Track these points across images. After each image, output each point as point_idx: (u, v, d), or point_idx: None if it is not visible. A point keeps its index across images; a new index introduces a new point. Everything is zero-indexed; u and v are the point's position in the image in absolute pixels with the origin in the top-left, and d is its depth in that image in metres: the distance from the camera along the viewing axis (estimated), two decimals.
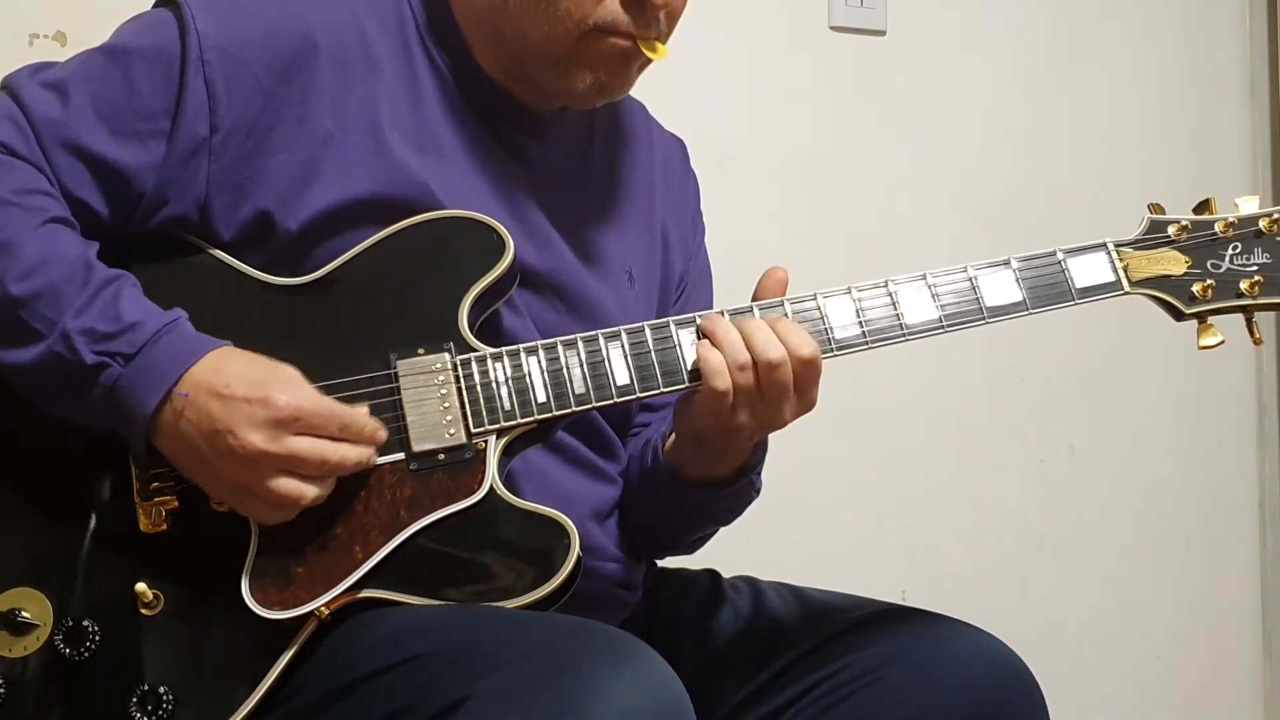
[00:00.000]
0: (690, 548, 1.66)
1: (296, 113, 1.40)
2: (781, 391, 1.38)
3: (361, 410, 1.33)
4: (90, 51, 1.41)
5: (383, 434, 1.33)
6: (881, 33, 2.54)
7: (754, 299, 1.45)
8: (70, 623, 1.30)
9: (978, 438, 2.59)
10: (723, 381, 1.37)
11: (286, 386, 1.29)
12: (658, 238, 1.64)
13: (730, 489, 1.52)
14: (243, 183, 1.39)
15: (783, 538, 2.29)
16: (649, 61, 1.48)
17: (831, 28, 2.51)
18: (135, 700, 1.28)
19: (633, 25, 1.44)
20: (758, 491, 1.56)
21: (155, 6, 1.44)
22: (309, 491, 1.29)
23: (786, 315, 1.43)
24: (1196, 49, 2.80)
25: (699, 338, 1.40)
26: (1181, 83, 2.80)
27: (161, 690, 1.28)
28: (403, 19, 1.49)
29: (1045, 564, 2.63)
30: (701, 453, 1.48)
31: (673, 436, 1.52)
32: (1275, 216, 1.47)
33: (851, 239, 2.49)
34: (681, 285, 1.68)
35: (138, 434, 1.30)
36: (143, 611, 1.31)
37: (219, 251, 1.40)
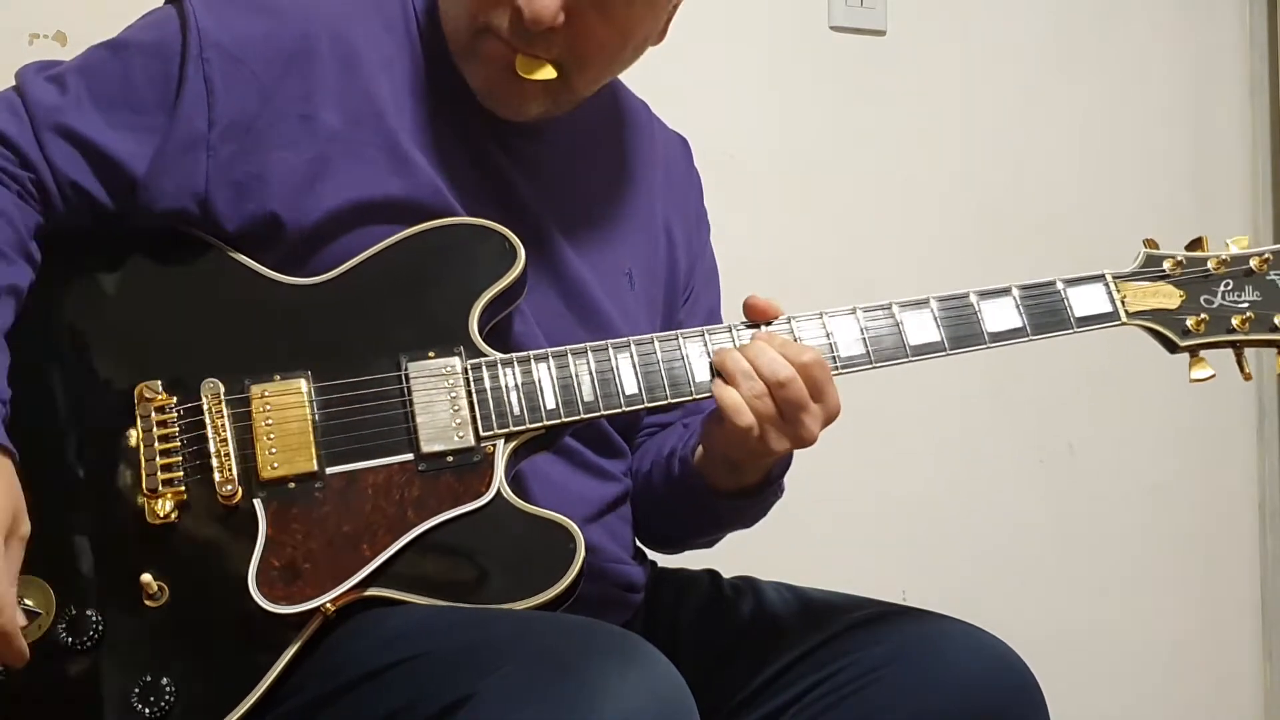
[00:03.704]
0: (712, 543, 1.67)
1: (300, 110, 1.41)
2: (799, 407, 1.39)
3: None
4: (94, 46, 1.43)
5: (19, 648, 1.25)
6: (881, 33, 2.55)
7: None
8: (73, 612, 1.30)
9: (978, 438, 2.60)
10: (745, 419, 1.38)
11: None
12: (660, 237, 1.64)
13: (761, 494, 1.53)
14: (245, 180, 1.40)
15: (783, 538, 2.29)
16: (548, 83, 1.44)
17: (831, 28, 2.51)
18: (137, 692, 1.28)
19: (511, 35, 1.42)
20: (782, 492, 1.58)
21: (166, 3, 1.45)
22: None
23: (792, 333, 1.44)
24: (1196, 49, 2.81)
25: (713, 374, 1.41)
26: (1181, 83, 2.80)
27: (164, 682, 1.28)
28: (406, 18, 1.49)
29: (1045, 564, 2.64)
30: (736, 473, 1.50)
31: (700, 449, 1.52)
32: (1265, 256, 1.52)
33: (851, 239, 2.50)
34: (689, 287, 1.69)
35: None
36: (147, 603, 1.30)
37: (232, 250, 1.41)
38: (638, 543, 1.64)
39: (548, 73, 1.43)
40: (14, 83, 1.41)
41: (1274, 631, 2.82)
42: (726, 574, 1.67)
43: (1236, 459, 2.84)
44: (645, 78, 1.54)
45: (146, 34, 1.42)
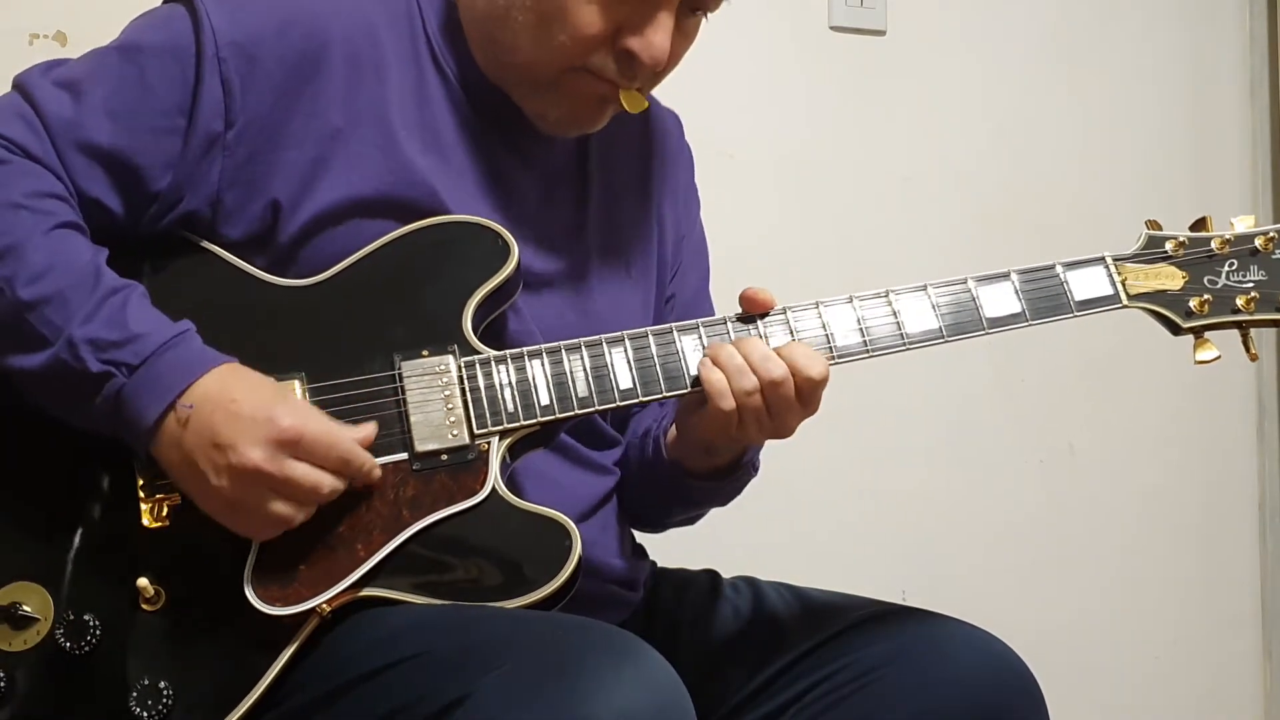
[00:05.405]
0: (691, 521, 1.67)
1: (307, 108, 1.40)
2: (788, 407, 1.39)
3: (366, 431, 1.33)
4: (103, 48, 1.41)
5: (377, 473, 1.33)
6: (881, 33, 2.54)
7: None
8: (71, 617, 1.30)
9: (978, 437, 2.59)
10: (727, 403, 1.38)
11: (292, 409, 1.29)
12: (654, 225, 1.65)
13: (732, 475, 1.54)
14: (254, 178, 1.39)
15: (783, 538, 2.30)
16: (622, 107, 1.48)
17: (831, 28, 2.51)
18: (135, 695, 1.28)
19: (619, 75, 1.44)
20: (757, 470, 1.58)
21: (166, 2, 1.43)
22: (298, 517, 1.29)
23: (788, 324, 1.44)
24: (1196, 49, 2.81)
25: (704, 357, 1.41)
26: (1181, 83, 2.80)
27: (161, 686, 1.28)
28: (412, 18, 1.49)
29: (1045, 564, 2.63)
30: (710, 454, 1.50)
31: (673, 431, 1.53)
32: (1270, 235, 1.49)
33: (850, 239, 2.49)
34: (677, 262, 1.68)
35: (139, 443, 1.30)
36: (144, 607, 1.31)
37: (224, 253, 1.41)
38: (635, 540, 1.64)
39: (645, 102, 1.48)
40: (17, 87, 1.38)
41: (1274, 631, 2.82)
42: (726, 574, 1.66)
43: (1236, 459, 2.83)
44: None
45: (157, 35, 1.40)
